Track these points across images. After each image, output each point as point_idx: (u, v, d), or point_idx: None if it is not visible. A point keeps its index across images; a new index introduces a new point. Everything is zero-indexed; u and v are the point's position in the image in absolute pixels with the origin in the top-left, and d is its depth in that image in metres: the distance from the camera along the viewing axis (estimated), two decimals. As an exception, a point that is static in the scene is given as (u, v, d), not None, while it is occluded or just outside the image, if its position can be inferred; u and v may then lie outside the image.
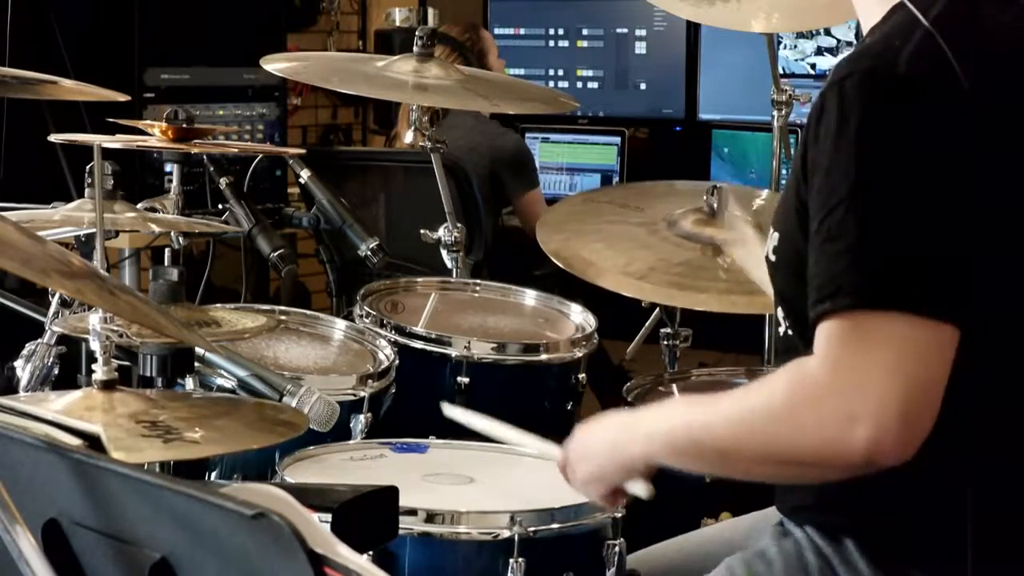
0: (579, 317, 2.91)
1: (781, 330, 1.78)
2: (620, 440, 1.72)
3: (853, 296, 1.52)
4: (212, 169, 2.99)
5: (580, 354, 2.76)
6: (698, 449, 1.63)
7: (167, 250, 2.48)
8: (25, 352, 2.29)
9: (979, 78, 1.58)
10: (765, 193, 3.18)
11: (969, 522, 1.69)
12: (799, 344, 1.70)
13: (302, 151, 3.13)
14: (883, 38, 1.63)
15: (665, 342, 3.16)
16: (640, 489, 1.74)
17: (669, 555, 2.11)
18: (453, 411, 2.14)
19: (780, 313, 1.79)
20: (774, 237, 1.76)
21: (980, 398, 1.62)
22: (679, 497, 2.22)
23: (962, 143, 1.56)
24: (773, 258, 1.76)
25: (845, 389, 1.50)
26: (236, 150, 3.27)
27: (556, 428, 2.59)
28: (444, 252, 3.15)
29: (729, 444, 1.60)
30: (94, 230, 2.21)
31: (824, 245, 1.56)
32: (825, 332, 1.54)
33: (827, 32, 5.14)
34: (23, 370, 2.28)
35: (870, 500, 1.71)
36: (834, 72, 1.61)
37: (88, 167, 2.41)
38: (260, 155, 3.48)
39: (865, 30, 1.73)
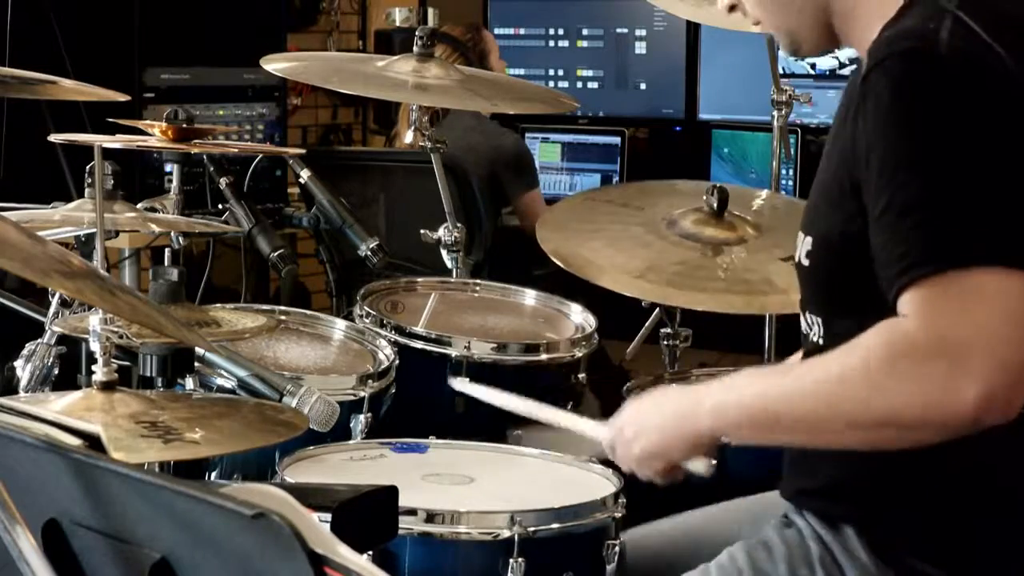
0: (579, 317, 2.91)
1: (813, 336, 1.77)
2: (685, 414, 1.70)
3: (945, 258, 1.52)
4: (212, 169, 2.99)
5: (580, 354, 2.76)
6: (777, 421, 1.62)
7: (167, 250, 2.48)
8: (25, 352, 2.29)
9: (1012, 49, 1.61)
10: (765, 193, 3.18)
11: (973, 513, 1.69)
12: (828, 349, 1.70)
13: (302, 151, 3.13)
14: (915, 23, 1.65)
15: (665, 342, 3.16)
16: (701, 466, 1.72)
17: (661, 535, 2.11)
18: (463, 385, 2.12)
19: (809, 318, 1.78)
20: (806, 241, 1.76)
21: None
22: (679, 497, 2.22)
23: (1012, 104, 1.59)
24: (806, 263, 1.76)
25: (949, 347, 1.50)
26: (236, 150, 3.27)
27: (556, 428, 2.60)
28: (444, 252, 3.15)
29: (816, 413, 1.58)
30: (94, 230, 2.21)
31: (900, 219, 1.56)
32: (917, 297, 1.53)
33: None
34: (23, 370, 2.28)
35: (875, 489, 1.71)
36: (870, 58, 1.62)
37: (88, 167, 2.41)
38: (260, 155, 3.48)
39: (864, 40, 1.72)
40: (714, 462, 1.72)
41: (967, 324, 1.50)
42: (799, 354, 1.91)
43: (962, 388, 1.49)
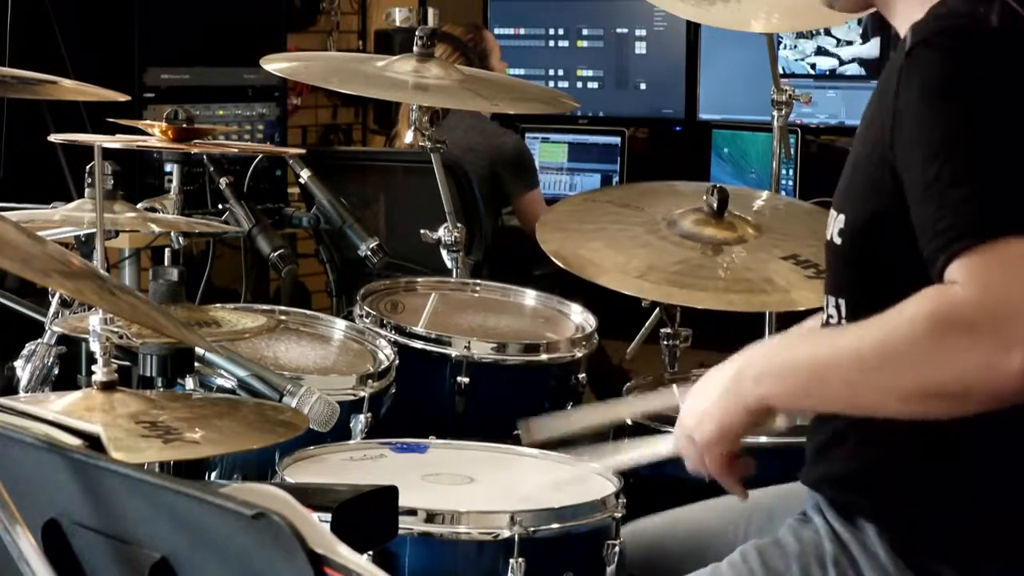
0: (579, 317, 2.91)
1: (832, 320, 1.77)
2: (731, 389, 1.68)
3: (994, 228, 1.52)
4: (212, 169, 2.99)
5: (580, 354, 2.76)
6: (823, 384, 1.61)
7: (167, 250, 2.48)
8: (25, 352, 2.29)
9: None
10: (765, 194, 3.18)
11: (1000, 518, 1.68)
12: None
13: (302, 151, 3.13)
14: (963, 5, 1.65)
15: (665, 342, 3.16)
16: (779, 422, 1.70)
17: (661, 529, 2.10)
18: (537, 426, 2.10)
19: (832, 300, 1.77)
20: (839, 220, 1.75)
21: None
22: (679, 497, 2.22)
23: None
24: (838, 241, 1.75)
25: (998, 315, 1.49)
26: (236, 150, 3.27)
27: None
28: (444, 252, 3.15)
29: (860, 379, 1.57)
30: (94, 230, 2.21)
31: (949, 191, 1.55)
32: (966, 266, 1.52)
33: (827, 32, 5.14)
34: (23, 370, 2.28)
35: (901, 483, 1.69)
36: (915, 35, 1.62)
37: (88, 167, 2.41)
38: (260, 155, 3.48)
39: (906, 19, 1.72)
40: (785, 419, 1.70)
41: (1016, 292, 1.49)
42: (814, 319, 1.90)
43: (1012, 355, 1.47)
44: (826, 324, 1.79)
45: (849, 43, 5.13)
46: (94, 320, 1.82)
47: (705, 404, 1.72)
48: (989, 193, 1.54)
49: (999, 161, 1.55)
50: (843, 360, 1.59)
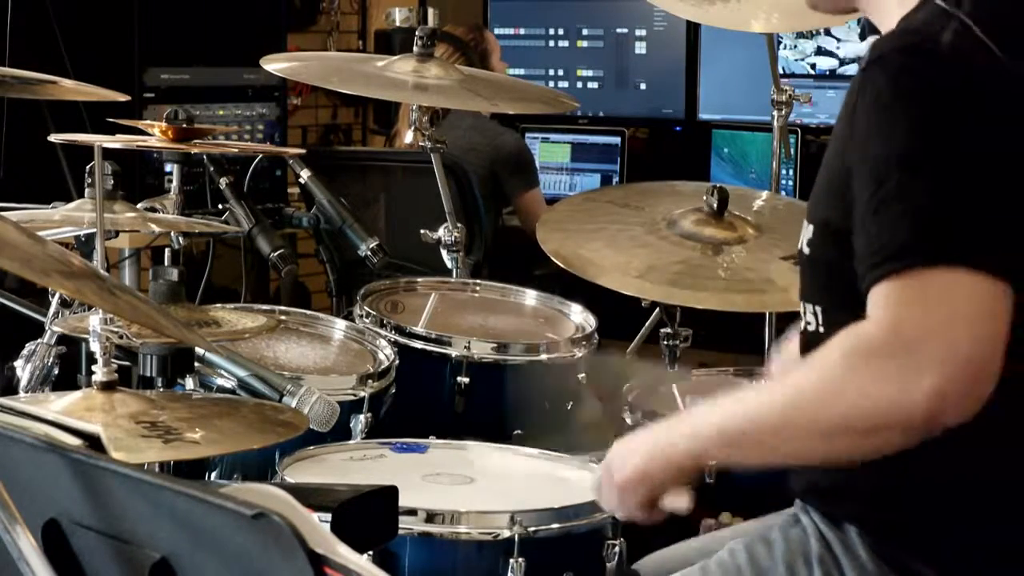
0: (579, 317, 2.91)
1: (810, 327, 1.78)
2: (663, 440, 1.70)
3: (914, 255, 1.52)
4: (212, 169, 2.99)
5: (580, 354, 2.76)
6: (749, 437, 1.62)
7: (167, 250, 2.48)
8: (25, 352, 2.29)
9: (1015, 53, 1.61)
10: (765, 194, 3.19)
11: (975, 517, 1.69)
12: (827, 338, 1.70)
13: (302, 151, 3.13)
14: (920, 22, 1.66)
15: (665, 342, 3.16)
16: (681, 503, 1.71)
17: (676, 560, 2.10)
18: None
19: (808, 308, 1.78)
20: (808, 229, 1.76)
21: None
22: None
23: (1008, 107, 1.59)
24: (807, 251, 1.76)
25: (908, 344, 1.49)
26: (236, 150, 3.27)
27: (556, 428, 2.60)
28: (444, 252, 3.15)
29: (785, 425, 1.58)
30: (94, 230, 2.21)
31: (876, 214, 1.56)
32: (883, 294, 1.53)
33: (827, 32, 5.14)
34: (23, 370, 2.28)
35: (880, 490, 1.71)
36: (872, 51, 1.63)
37: (88, 167, 2.41)
38: (260, 155, 3.47)
39: (887, 23, 1.74)
40: (692, 498, 1.72)
41: (930, 321, 1.50)
42: (794, 343, 1.91)
43: (920, 381, 1.48)
44: (804, 331, 1.80)
45: (849, 43, 5.13)
46: (94, 320, 1.82)
47: (636, 447, 1.74)
48: (918, 217, 1.53)
49: (925, 187, 1.55)
50: (763, 409, 1.61)
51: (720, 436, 1.65)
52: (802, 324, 1.81)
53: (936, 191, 1.55)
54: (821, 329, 1.75)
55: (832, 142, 1.74)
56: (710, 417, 1.68)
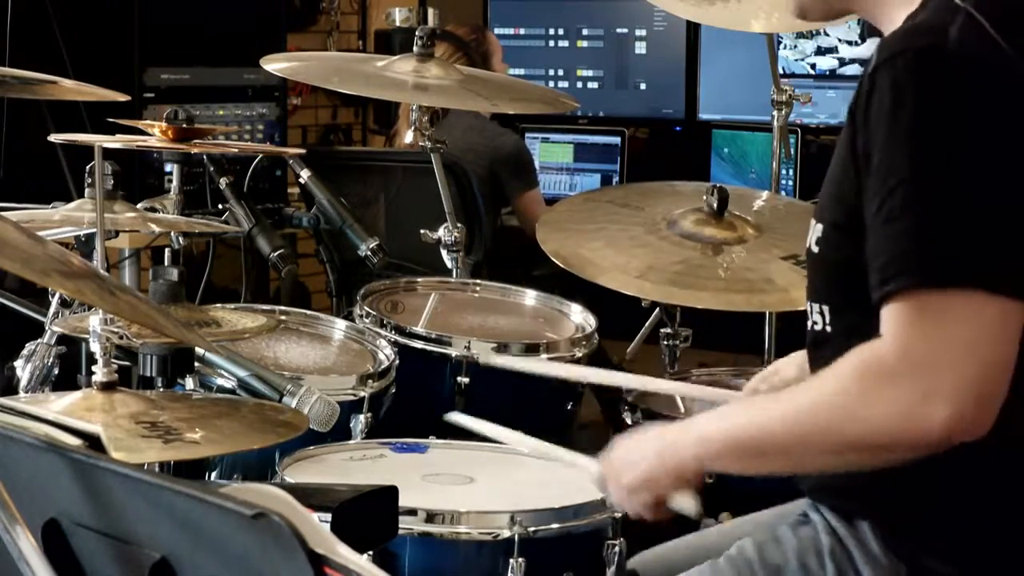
0: (579, 317, 2.91)
1: (816, 326, 1.77)
2: (671, 444, 1.70)
3: (922, 275, 1.52)
4: (212, 169, 2.99)
5: (580, 354, 2.76)
6: (757, 448, 1.63)
7: (167, 250, 2.48)
8: (25, 352, 2.29)
9: (1020, 47, 1.60)
10: (765, 194, 3.19)
11: (987, 512, 1.69)
12: (833, 338, 1.71)
13: (302, 151, 3.13)
14: (928, 19, 1.64)
15: (665, 342, 3.16)
16: (688, 504, 1.71)
17: (673, 556, 2.10)
18: (458, 418, 2.13)
19: (815, 307, 1.78)
20: (817, 228, 1.76)
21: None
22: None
23: (1014, 106, 1.58)
24: (816, 249, 1.76)
25: (920, 368, 1.50)
26: (236, 150, 3.27)
27: (556, 428, 2.60)
28: (444, 252, 3.15)
29: (796, 439, 1.59)
30: (94, 230, 2.21)
31: (886, 225, 1.55)
32: (894, 313, 1.53)
33: (827, 32, 5.14)
34: (23, 370, 2.28)
35: (892, 486, 1.70)
36: (880, 53, 1.62)
37: (88, 167, 2.42)
38: (260, 155, 3.48)
39: (889, 23, 1.73)
40: (699, 502, 1.73)
41: (941, 345, 1.50)
42: (801, 353, 1.91)
43: (933, 408, 1.49)
44: (811, 330, 1.80)
45: (849, 43, 5.13)
46: (94, 320, 1.82)
47: (643, 451, 1.74)
48: (921, 235, 1.53)
49: (937, 201, 1.54)
50: (777, 423, 1.61)
51: (730, 447, 1.66)
52: (808, 323, 1.81)
53: (942, 207, 1.54)
54: (828, 328, 1.75)
55: (840, 142, 1.73)
56: (721, 424, 1.68)
